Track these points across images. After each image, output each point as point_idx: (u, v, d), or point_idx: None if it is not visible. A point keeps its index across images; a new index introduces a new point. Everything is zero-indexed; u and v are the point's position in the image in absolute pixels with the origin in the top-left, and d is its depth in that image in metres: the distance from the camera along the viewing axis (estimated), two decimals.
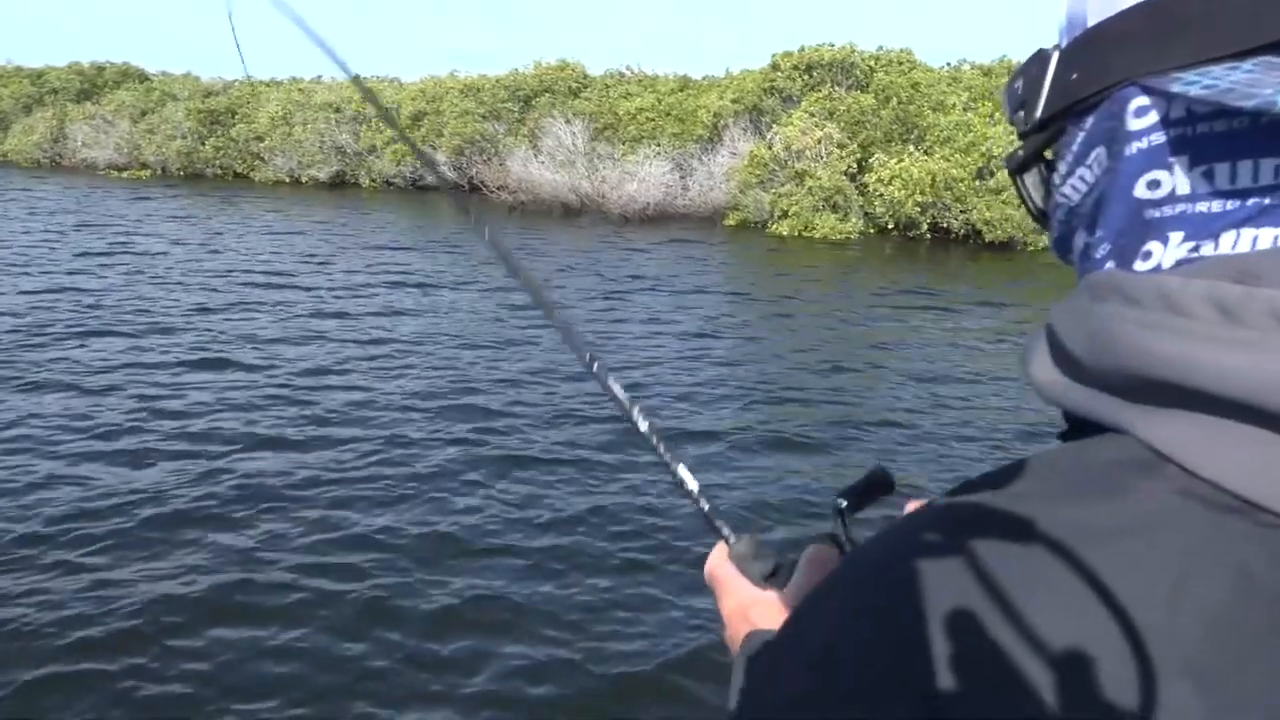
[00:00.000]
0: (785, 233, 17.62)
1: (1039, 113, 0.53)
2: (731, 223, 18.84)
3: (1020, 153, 0.58)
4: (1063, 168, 0.53)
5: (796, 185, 18.00)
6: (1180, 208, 0.44)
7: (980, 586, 0.39)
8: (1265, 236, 0.42)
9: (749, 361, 8.68)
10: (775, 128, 19.25)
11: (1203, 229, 0.43)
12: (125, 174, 27.25)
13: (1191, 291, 0.40)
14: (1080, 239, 0.53)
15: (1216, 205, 0.43)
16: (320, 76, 31.61)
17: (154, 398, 6.80)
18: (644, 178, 19.82)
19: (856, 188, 18.01)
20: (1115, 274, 0.46)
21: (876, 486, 0.75)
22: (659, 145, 20.96)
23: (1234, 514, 0.37)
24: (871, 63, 20.63)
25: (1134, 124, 0.46)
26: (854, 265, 14.76)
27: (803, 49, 21.10)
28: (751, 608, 0.72)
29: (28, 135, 29.99)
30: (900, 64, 20.58)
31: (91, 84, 32.36)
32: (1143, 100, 0.45)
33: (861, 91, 19.77)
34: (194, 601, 4.05)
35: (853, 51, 20.76)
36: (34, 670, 3.51)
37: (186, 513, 4.91)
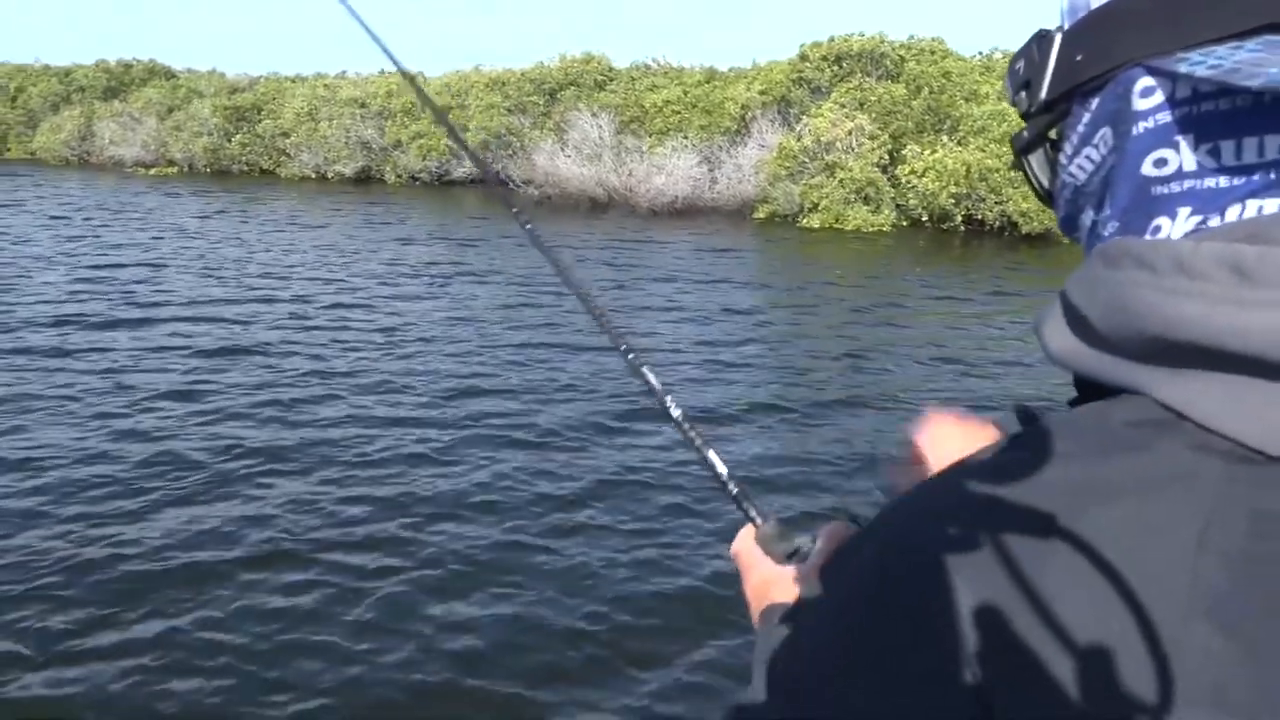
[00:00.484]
0: (816, 225, 17.37)
1: (1044, 94, 0.53)
2: (761, 216, 18.61)
3: (1026, 133, 0.58)
4: (1069, 148, 0.53)
5: (827, 177, 17.74)
6: (1187, 184, 0.45)
7: (1005, 548, 0.40)
8: (1270, 207, 0.43)
9: (777, 349, 8.64)
10: (805, 119, 18.99)
11: (1210, 204, 0.44)
12: (152, 171, 27.38)
13: (1204, 254, 0.41)
14: (1088, 217, 0.54)
15: (1223, 181, 0.44)
16: (345, 72, 31.65)
17: (179, 386, 6.91)
18: (671, 171, 19.62)
19: (889, 180, 17.72)
20: (1128, 241, 0.46)
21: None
22: (686, 138, 20.75)
23: (1249, 465, 0.38)
24: (902, 52, 20.31)
25: (1140, 104, 0.47)
26: (886, 257, 14.50)
27: (832, 39, 20.81)
28: (773, 584, 0.74)
29: (56, 133, 30.21)
30: (931, 53, 20.25)
31: (119, 82, 32.55)
32: (1148, 81, 0.46)
33: (892, 81, 19.46)
34: (221, 573, 4.14)
35: (882, 41, 20.45)
36: (40, 665, 3.44)
37: (209, 490, 5.01)
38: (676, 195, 19.47)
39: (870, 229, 17.09)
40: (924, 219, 17.34)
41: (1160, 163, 0.46)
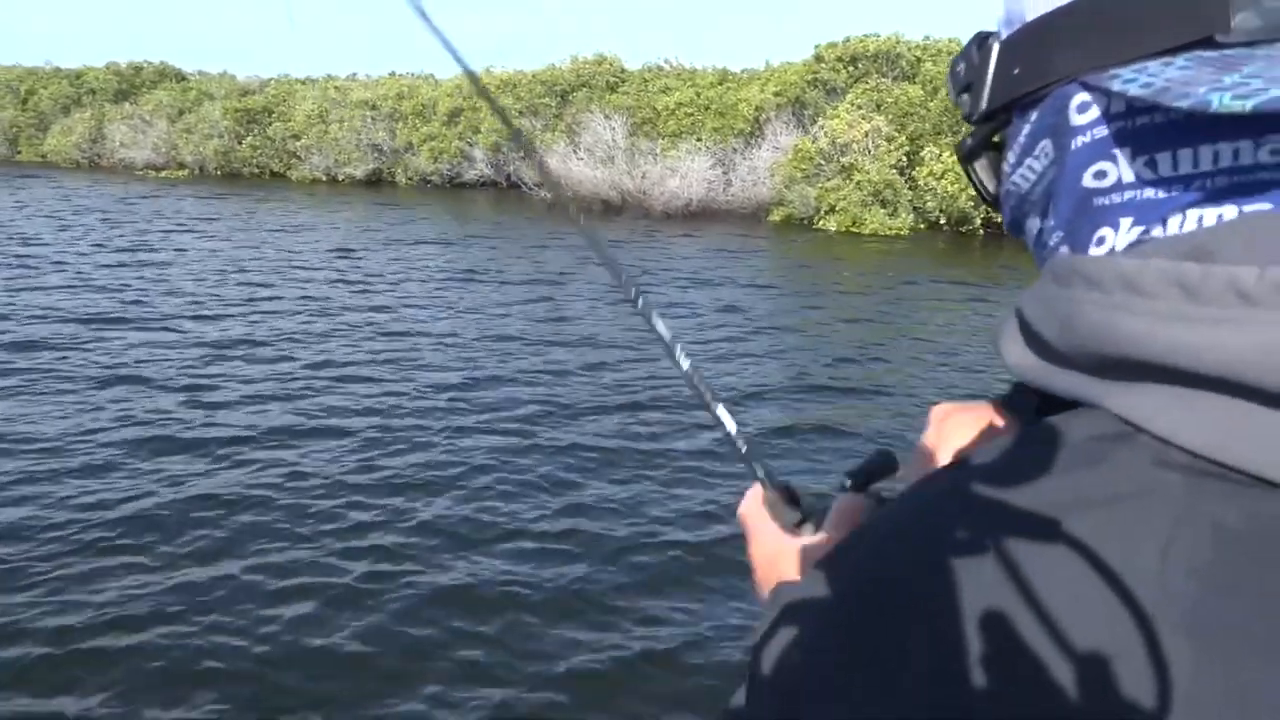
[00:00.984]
0: (833, 228, 17.16)
1: (984, 104, 0.54)
2: (776, 219, 18.39)
3: (969, 141, 0.59)
4: (1011, 157, 0.55)
5: (844, 180, 17.52)
6: (1127, 195, 0.47)
7: (999, 551, 0.41)
8: (1209, 216, 0.44)
9: (792, 350, 8.56)
10: (821, 121, 18.78)
11: (1150, 213, 0.46)
12: (163, 174, 27.32)
13: (1150, 272, 0.42)
14: (1034, 224, 0.55)
15: (1161, 192, 0.45)
16: (355, 74, 31.55)
17: (191, 388, 6.94)
18: (685, 173, 19.42)
19: (906, 182, 17.49)
20: (1076, 259, 0.47)
21: (879, 470, 0.76)
22: (699, 140, 20.55)
23: (1208, 477, 0.39)
24: (918, 53, 20.08)
25: (1077, 119, 0.48)
26: (904, 260, 14.26)
27: (847, 40, 20.60)
28: (779, 557, 0.73)
29: (66, 136, 30.17)
30: (948, 54, 19.99)
31: (129, 84, 32.46)
32: (1084, 96, 0.48)
33: (909, 83, 19.24)
34: (245, 584, 4.09)
35: (898, 42, 20.23)
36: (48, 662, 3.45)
37: (223, 497, 4.98)
38: (690, 198, 19.27)
39: (888, 232, 16.87)
40: (942, 222, 17.10)
41: (1100, 175, 0.47)
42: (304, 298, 10.54)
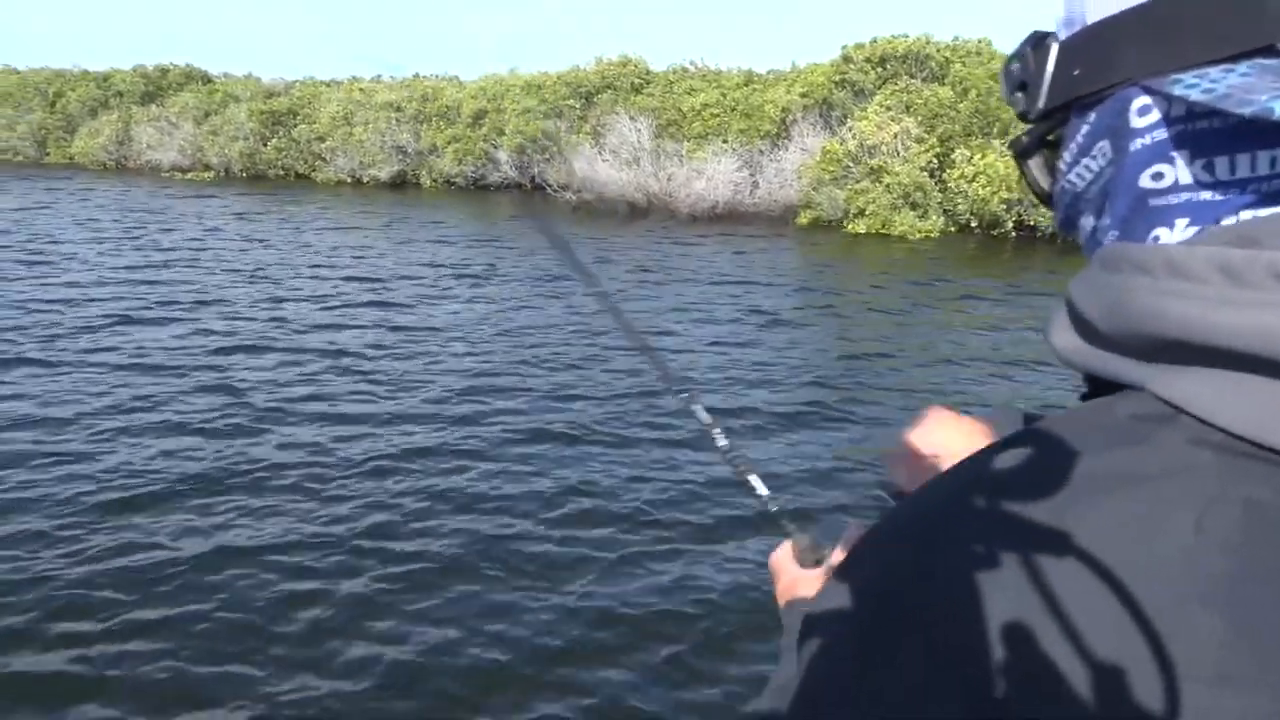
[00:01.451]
0: (862, 231, 16.94)
1: (1041, 103, 0.55)
2: (804, 221, 18.18)
3: (1024, 138, 0.60)
4: (1068, 156, 0.55)
5: (873, 182, 17.30)
6: (1184, 196, 0.47)
7: (1009, 546, 0.42)
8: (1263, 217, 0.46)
9: (817, 353, 8.57)
10: (849, 122, 18.56)
11: (1205, 215, 0.47)
12: (189, 175, 27.44)
13: (1196, 257, 0.44)
14: (1088, 222, 0.56)
15: (1217, 194, 0.46)
16: (380, 76, 31.57)
17: (214, 382, 7.09)
18: (712, 175, 19.25)
19: (936, 184, 17.24)
20: (1125, 245, 0.49)
21: None
22: (725, 141, 20.37)
23: (1243, 456, 0.41)
24: (948, 53, 19.80)
25: (1137, 122, 0.49)
26: (934, 263, 14.02)
27: (875, 40, 20.37)
28: (798, 583, 0.80)
29: (94, 138, 30.37)
30: (978, 54, 19.72)
31: (156, 86, 32.62)
32: (1144, 100, 0.48)
33: (938, 84, 18.98)
34: (264, 574, 4.19)
35: (928, 42, 19.98)
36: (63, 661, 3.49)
37: (246, 484, 5.15)
38: (717, 200, 19.10)
39: (918, 234, 16.64)
40: (973, 225, 16.85)
41: (1157, 176, 0.48)
42: (325, 295, 10.60)
